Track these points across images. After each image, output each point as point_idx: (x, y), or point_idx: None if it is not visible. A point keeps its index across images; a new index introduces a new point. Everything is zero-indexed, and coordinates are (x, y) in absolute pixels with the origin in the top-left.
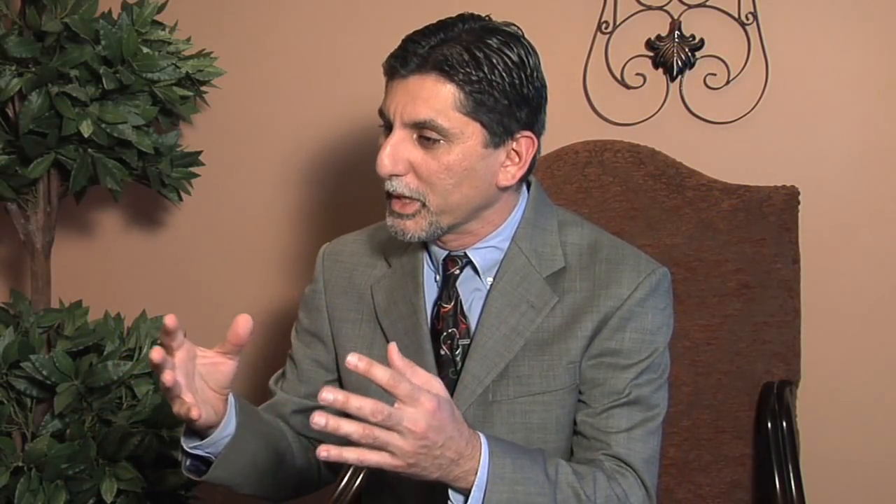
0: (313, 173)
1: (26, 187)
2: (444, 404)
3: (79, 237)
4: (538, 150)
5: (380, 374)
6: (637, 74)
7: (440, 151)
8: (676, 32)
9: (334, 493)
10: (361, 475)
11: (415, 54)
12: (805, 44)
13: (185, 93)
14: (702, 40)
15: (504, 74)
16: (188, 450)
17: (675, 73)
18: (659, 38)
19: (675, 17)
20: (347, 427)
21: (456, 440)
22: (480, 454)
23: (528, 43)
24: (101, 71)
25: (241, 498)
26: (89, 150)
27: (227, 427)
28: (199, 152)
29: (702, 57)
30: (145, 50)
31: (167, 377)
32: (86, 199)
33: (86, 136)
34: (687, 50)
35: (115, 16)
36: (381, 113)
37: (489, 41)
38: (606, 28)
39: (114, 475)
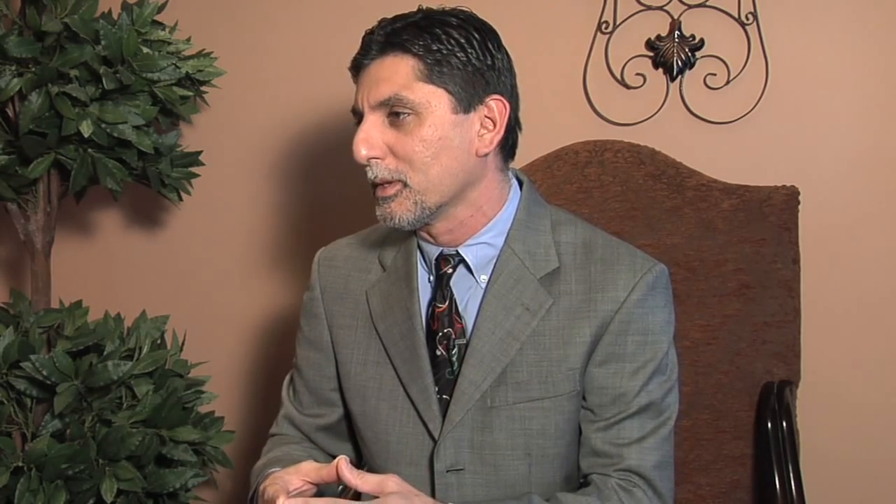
0: (313, 173)
1: (26, 187)
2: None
3: (79, 237)
4: (513, 116)
5: None
6: (637, 74)
7: (412, 126)
8: (676, 32)
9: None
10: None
11: (374, 42)
12: (805, 44)
13: (185, 93)
14: (702, 40)
15: (464, 43)
16: None
17: (675, 73)
18: (659, 38)
19: (675, 17)
20: None
21: None
22: None
23: (488, 23)
24: (101, 71)
25: (242, 498)
26: (89, 150)
27: None
28: (199, 152)
29: (702, 57)
30: (145, 50)
31: None
32: (86, 199)
33: (86, 136)
34: (687, 50)
35: (115, 16)
36: (353, 111)
37: (447, 19)
38: (606, 28)
39: (114, 475)
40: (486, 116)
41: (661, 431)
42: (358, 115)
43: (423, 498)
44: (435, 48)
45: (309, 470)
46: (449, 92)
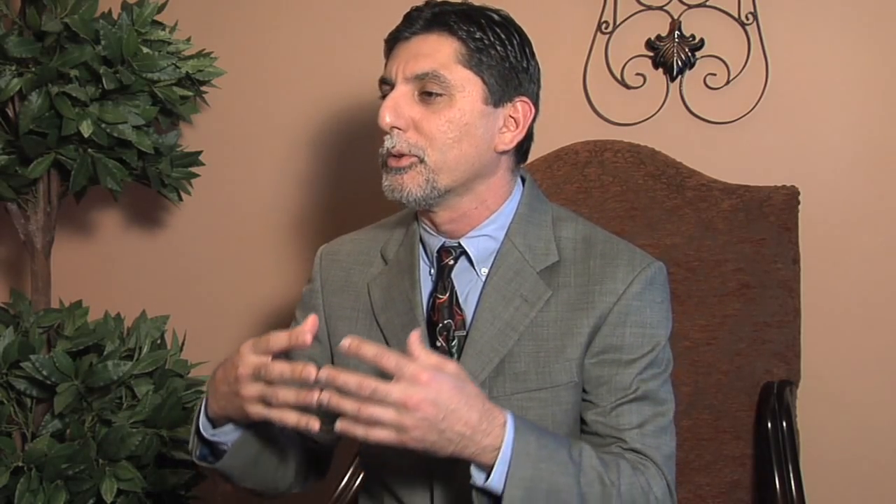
0: (313, 173)
1: (26, 187)
2: (445, 378)
3: (79, 237)
4: (534, 120)
5: (368, 350)
6: (637, 74)
7: (442, 106)
8: (676, 32)
9: (334, 494)
10: (361, 475)
11: (419, 17)
12: (805, 44)
13: (185, 93)
14: (702, 40)
15: (505, 41)
16: (208, 437)
17: (675, 73)
18: (659, 38)
19: (675, 17)
20: (345, 405)
21: (462, 413)
22: (505, 431)
23: (524, 30)
24: (101, 71)
25: (241, 500)
26: (89, 150)
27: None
28: (199, 152)
29: (702, 57)
30: (145, 50)
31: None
32: (86, 199)
33: (86, 136)
34: (687, 50)
35: (115, 16)
36: (383, 80)
37: (490, 15)
38: (606, 28)
39: (114, 475)
40: (510, 115)
41: (660, 421)
42: (387, 86)
43: (475, 387)
44: (478, 36)
45: (281, 335)
46: (484, 81)
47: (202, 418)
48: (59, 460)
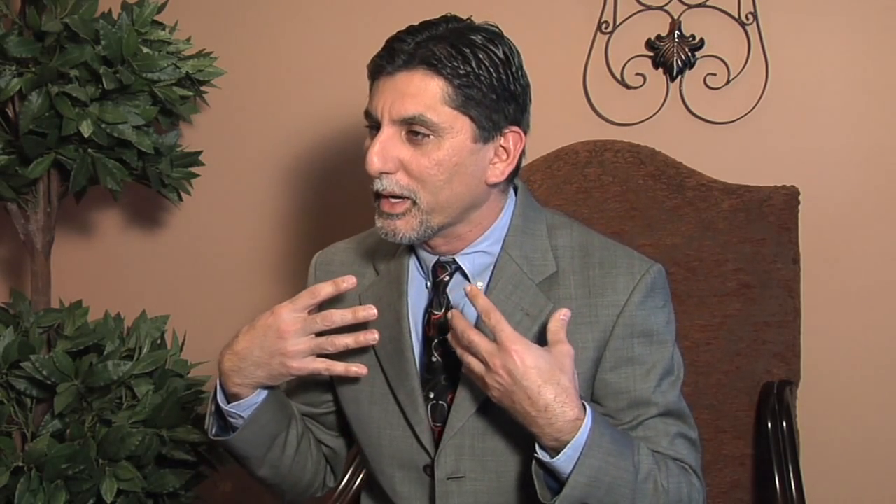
0: (313, 173)
1: (26, 187)
2: (532, 355)
3: (79, 237)
4: (524, 148)
5: (481, 301)
6: (637, 74)
7: (430, 147)
8: (676, 32)
9: (334, 493)
10: (361, 476)
11: (401, 51)
12: (805, 44)
13: (185, 93)
14: (702, 40)
15: (491, 69)
16: (228, 409)
17: (675, 73)
18: (659, 38)
19: (675, 17)
20: (457, 345)
21: (532, 393)
22: (583, 424)
23: (511, 42)
24: (101, 71)
25: (242, 499)
26: (89, 150)
27: (260, 394)
28: (199, 152)
29: (702, 57)
30: (145, 50)
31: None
32: (86, 199)
33: (86, 136)
34: (687, 50)
35: (115, 16)
36: (368, 113)
37: (473, 38)
38: (606, 28)
39: (114, 475)
40: (501, 146)
41: (689, 435)
42: (372, 121)
43: (565, 377)
44: (463, 71)
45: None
46: (472, 119)
47: (219, 395)
48: (59, 460)
